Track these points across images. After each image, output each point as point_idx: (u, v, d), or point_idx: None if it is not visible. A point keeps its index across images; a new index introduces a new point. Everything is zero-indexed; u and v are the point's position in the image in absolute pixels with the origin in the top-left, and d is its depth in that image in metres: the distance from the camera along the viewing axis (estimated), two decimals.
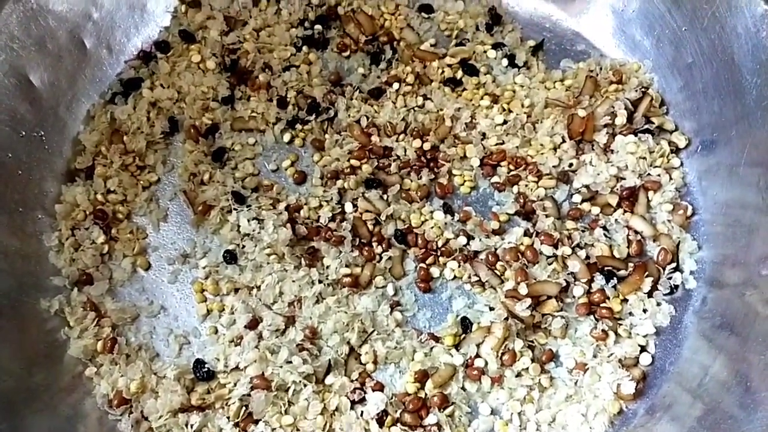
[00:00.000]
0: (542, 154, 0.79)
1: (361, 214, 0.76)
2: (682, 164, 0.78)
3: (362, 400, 0.69)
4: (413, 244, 0.75)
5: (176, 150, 0.81)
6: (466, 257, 0.74)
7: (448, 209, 0.77)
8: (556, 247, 0.73)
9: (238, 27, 0.85)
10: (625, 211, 0.76)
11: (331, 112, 0.82)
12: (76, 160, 0.77)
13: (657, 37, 0.80)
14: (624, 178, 0.77)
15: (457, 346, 0.71)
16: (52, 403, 0.66)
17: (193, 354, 0.71)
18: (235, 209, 0.76)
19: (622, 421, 0.69)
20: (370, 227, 0.76)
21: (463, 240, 0.75)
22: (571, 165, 0.78)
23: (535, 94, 0.81)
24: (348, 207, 0.77)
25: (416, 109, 0.82)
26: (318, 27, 0.86)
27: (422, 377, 0.69)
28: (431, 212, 0.77)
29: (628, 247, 0.74)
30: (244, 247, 0.75)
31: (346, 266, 0.74)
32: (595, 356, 0.70)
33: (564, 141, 0.79)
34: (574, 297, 0.72)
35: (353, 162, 0.79)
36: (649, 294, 0.72)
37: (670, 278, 0.73)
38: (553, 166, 0.78)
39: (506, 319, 0.70)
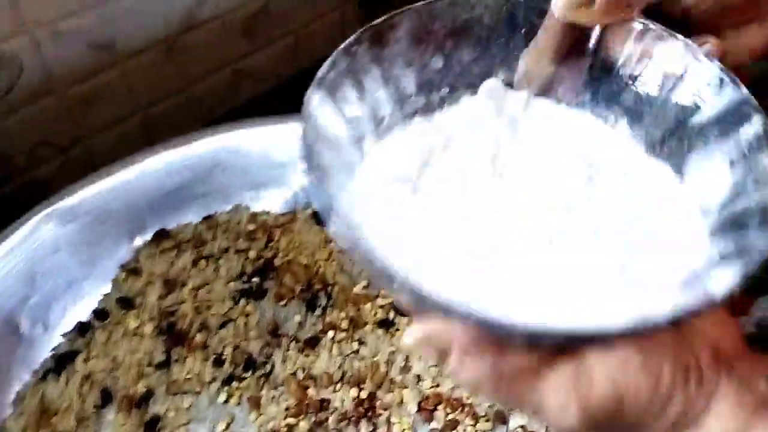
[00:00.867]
0: (477, 394, 0.73)
1: None
2: None
3: None
4: None
5: (107, 424, 0.77)
6: None
7: None
8: None
9: (177, 288, 0.85)
10: None
11: (268, 367, 0.78)
12: None
13: None
14: None
15: None
16: None
17: None
18: None
19: None
20: None
21: None
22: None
23: None
24: None
25: (352, 355, 0.78)
26: (255, 279, 0.85)
27: None
28: None
29: None
30: None
31: None
32: None
33: None
34: None
35: (290, 420, 0.74)
36: None
37: None
38: (489, 406, 0.72)
39: None
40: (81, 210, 0.84)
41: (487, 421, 0.71)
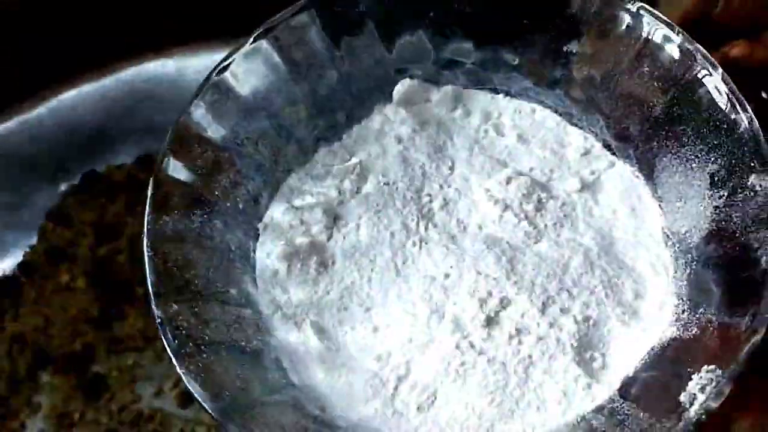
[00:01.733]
0: None
1: None
2: None
3: None
4: None
5: (44, 387, 0.71)
6: None
7: None
8: None
9: (112, 237, 0.78)
10: None
11: None
12: None
13: None
14: None
15: None
16: None
17: None
18: None
19: None
20: None
21: None
22: None
23: None
24: None
25: None
26: None
27: None
28: None
29: None
30: None
31: None
32: None
33: None
34: None
35: None
36: None
37: None
38: None
39: None
40: None
41: None
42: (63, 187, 0.78)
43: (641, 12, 0.44)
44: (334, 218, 0.46)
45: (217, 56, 0.69)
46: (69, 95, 0.76)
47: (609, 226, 0.45)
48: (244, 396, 0.37)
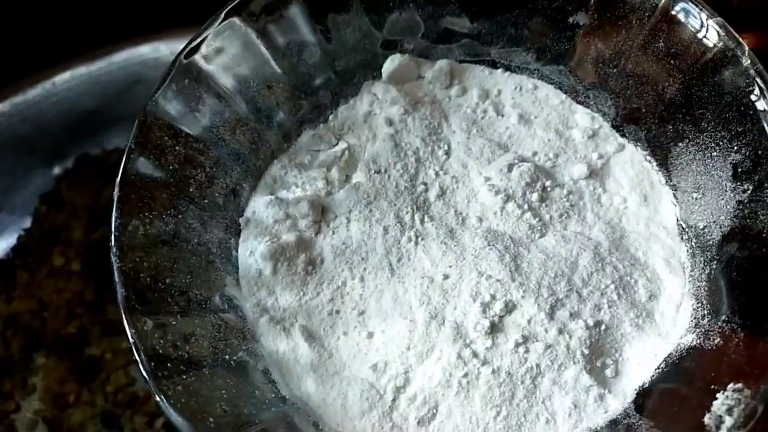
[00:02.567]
0: None
1: None
2: None
3: None
4: None
5: (37, 369, 0.69)
6: None
7: None
8: None
9: (105, 222, 0.75)
10: None
11: None
12: None
13: None
14: None
15: None
16: None
17: None
18: None
19: None
20: None
21: None
22: None
23: None
24: None
25: None
26: None
27: None
28: None
29: None
30: None
31: None
32: None
33: None
34: None
35: None
36: None
37: None
38: None
39: None
40: None
41: None
42: (57, 170, 0.75)
43: None
44: (321, 211, 0.42)
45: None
46: (63, 78, 0.73)
47: (619, 216, 0.41)
48: (231, 418, 0.33)
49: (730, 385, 0.30)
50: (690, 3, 0.37)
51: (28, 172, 0.73)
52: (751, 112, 0.34)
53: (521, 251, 0.39)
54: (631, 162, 0.42)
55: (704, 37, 0.36)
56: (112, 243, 0.35)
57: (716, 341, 0.33)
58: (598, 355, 0.37)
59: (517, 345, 0.36)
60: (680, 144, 0.39)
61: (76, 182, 0.74)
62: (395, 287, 0.39)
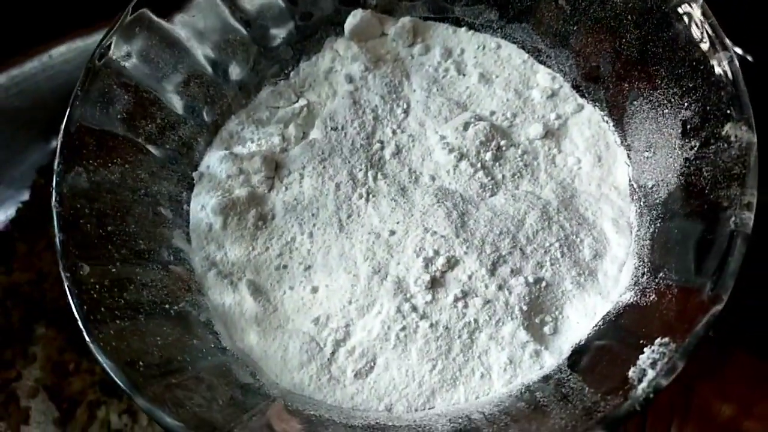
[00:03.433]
0: None
1: None
2: None
3: None
4: None
5: (37, 339, 0.69)
6: None
7: None
8: None
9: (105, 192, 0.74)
10: None
11: None
12: None
13: None
14: None
15: None
16: None
17: None
18: (104, 402, 0.64)
19: None
20: None
21: None
22: None
23: None
24: None
25: None
26: None
27: None
28: None
29: None
30: None
31: None
32: None
33: None
34: None
35: None
36: None
37: None
38: None
39: None
40: None
41: None
42: (54, 143, 0.75)
43: None
44: (275, 167, 0.41)
45: None
46: (59, 50, 0.73)
47: (572, 176, 0.39)
48: (163, 364, 0.33)
49: (657, 340, 0.28)
50: None
51: (25, 145, 0.73)
52: (702, 67, 0.32)
53: (470, 209, 0.38)
54: (588, 122, 0.40)
55: None
56: (53, 187, 0.34)
57: (651, 297, 0.31)
58: (537, 312, 0.35)
59: (456, 300, 0.35)
60: (635, 103, 0.37)
61: None
62: (343, 243, 0.38)
